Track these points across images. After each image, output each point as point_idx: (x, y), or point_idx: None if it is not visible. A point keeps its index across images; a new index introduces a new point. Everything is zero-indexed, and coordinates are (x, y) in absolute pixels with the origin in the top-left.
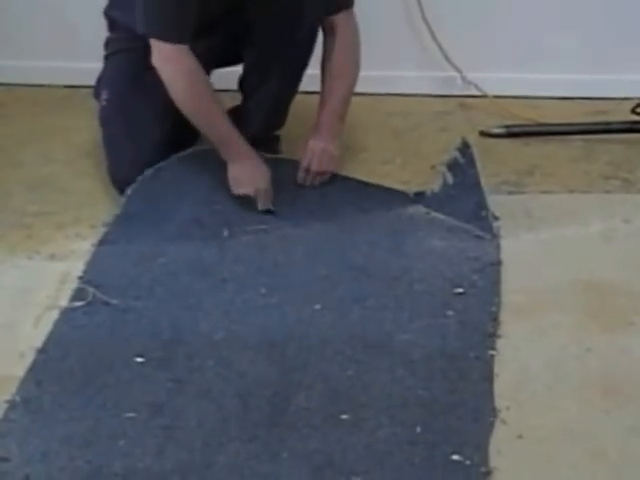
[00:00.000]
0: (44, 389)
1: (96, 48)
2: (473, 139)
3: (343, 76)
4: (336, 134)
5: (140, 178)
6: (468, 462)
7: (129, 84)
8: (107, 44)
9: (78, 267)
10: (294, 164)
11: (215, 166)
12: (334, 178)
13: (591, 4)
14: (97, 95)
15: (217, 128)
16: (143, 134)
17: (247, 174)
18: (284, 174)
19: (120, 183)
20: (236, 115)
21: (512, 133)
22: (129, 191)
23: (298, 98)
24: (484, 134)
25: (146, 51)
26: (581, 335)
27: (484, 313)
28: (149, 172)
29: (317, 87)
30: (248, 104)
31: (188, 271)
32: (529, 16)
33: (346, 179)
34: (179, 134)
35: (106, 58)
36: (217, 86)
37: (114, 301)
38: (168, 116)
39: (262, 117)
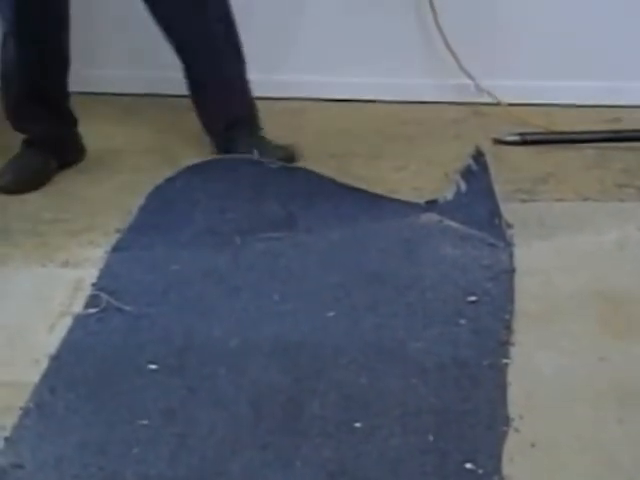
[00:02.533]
0: (58, 395)
1: (111, 55)
2: (487, 147)
3: None
4: None
5: (153, 188)
6: (481, 471)
7: None
8: None
9: (92, 274)
10: (307, 173)
11: (227, 175)
12: (347, 190)
13: (604, 11)
14: None
15: None
16: None
17: None
18: (297, 184)
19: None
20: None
21: (526, 141)
22: (142, 200)
23: (312, 107)
24: (498, 142)
25: None
26: (595, 343)
27: (497, 321)
28: (161, 182)
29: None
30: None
31: (201, 278)
32: (542, 24)
33: (359, 190)
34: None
35: None
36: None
37: (127, 308)
38: None
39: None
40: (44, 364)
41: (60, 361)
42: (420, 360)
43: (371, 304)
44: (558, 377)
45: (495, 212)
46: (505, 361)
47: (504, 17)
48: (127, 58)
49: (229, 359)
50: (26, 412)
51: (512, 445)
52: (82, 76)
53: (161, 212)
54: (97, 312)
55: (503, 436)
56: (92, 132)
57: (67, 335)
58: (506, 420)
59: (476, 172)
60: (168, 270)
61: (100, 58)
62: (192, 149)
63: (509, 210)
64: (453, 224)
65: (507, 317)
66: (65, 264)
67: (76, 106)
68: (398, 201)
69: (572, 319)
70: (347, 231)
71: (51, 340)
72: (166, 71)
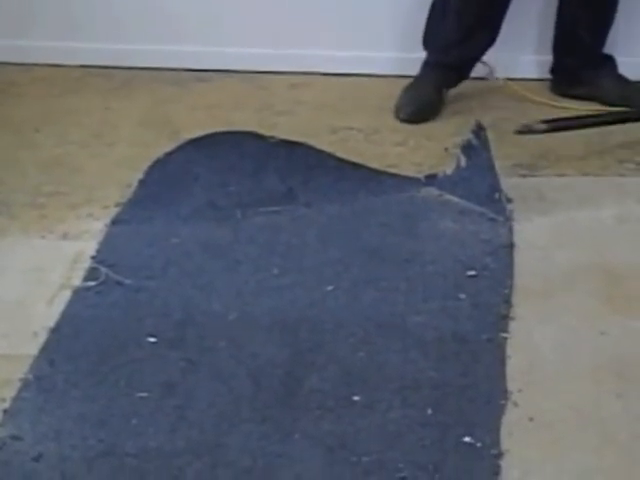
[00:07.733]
0: (57, 368)
1: (111, 28)
2: (487, 121)
3: None
4: None
5: (153, 162)
6: (479, 444)
7: None
8: None
9: (91, 247)
10: (307, 148)
11: (228, 149)
12: (347, 165)
13: None
14: None
15: None
16: None
17: None
18: (298, 158)
19: None
20: None
21: (554, 128)
22: (142, 174)
23: (311, 80)
24: (522, 132)
25: None
26: (594, 318)
27: (496, 296)
28: (161, 156)
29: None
30: None
31: (201, 252)
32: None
33: (358, 165)
34: None
35: None
36: None
37: (127, 281)
38: None
39: None
40: (43, 337)
41: (59, 334)
42: (419, 334)
43: (370, 278)
44: (557, 351)
45: (495, 187)
46: (504, 335)
47: None
48: (125, 31)
49: (228, 332)
50: (25, 384)
51: (511, 419)
52: (79, 49)
53: (161, 186)
54: (96, 285)
55: (502, 410)
56: (90, 105)
57: (66, 308)
58: (505, 394)
59: (476, 147)
60: (168, 243)
61: (97, 31)
62: (192, 123)
63: (509, 185)
64: (453, 199)
65: (506, 291)
66: (64, 237)
67: (72, 80)
68: (398, 176)
69: (572, 293)
70: (347, 206)
71: (50, 313)
72: (163, 44)
